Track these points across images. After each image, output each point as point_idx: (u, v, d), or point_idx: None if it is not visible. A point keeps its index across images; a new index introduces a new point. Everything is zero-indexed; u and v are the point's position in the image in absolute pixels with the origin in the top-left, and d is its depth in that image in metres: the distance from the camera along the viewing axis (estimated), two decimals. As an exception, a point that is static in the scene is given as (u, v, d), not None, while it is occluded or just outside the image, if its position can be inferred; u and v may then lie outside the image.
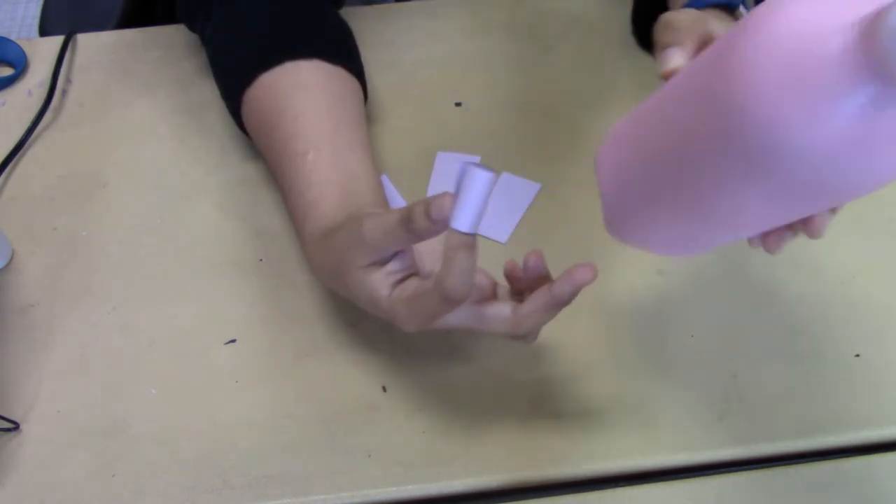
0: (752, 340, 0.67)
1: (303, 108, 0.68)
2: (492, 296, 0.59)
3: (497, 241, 0.73)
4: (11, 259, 0.73)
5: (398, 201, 0.74)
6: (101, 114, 0.81)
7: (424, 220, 0.51)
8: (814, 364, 0.66)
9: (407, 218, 0.52)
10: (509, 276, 0.59)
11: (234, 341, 0.68)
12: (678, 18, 0.54)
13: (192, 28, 0.79)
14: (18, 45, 0.85)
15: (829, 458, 0.63)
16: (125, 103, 0.82)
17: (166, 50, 0.85)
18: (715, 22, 0.55)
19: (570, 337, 0.68)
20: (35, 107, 0.81)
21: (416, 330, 0.56)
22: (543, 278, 0.58)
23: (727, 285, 0.70)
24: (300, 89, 0.69)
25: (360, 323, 0.69)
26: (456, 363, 0.67)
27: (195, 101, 0.81)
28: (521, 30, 0.86)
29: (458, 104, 0.81)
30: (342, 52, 0.73)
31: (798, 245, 0.72)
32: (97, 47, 0.86)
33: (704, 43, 0.54)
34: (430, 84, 0.82)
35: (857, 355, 0.66)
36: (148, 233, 0.74)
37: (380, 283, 0.57)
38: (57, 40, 0.85)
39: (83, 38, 0.86)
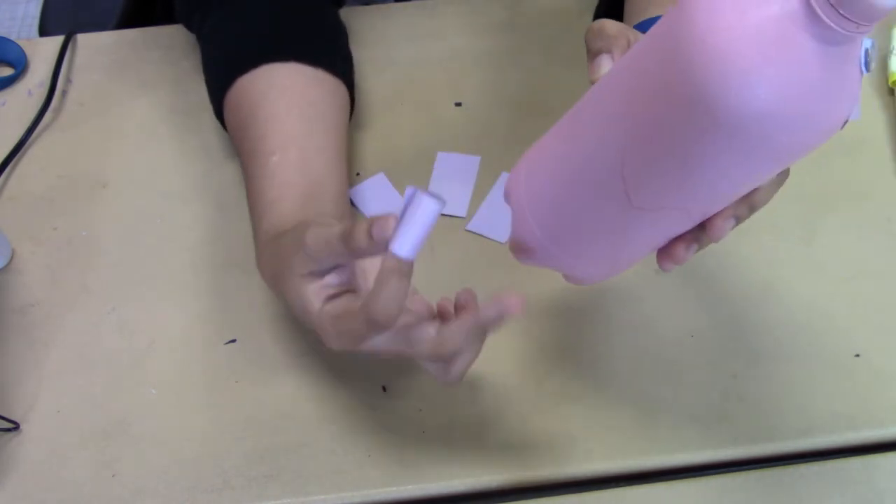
0: (752, 340, 0.67)
1: (274, 111, 0.68)
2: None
3: (497, 241, 0.73)
4: (11, 259, 0.73)
5: (396, 201, 0.74)
6: (101, 114, 0.81)
7: (365, 237, 0.50)
8: (814, 364, 0.66)
9: (349, 233, 0.51)
10: (442, 313, 0.57)
11: (234, 341, 0.68)
12: (607, 26, 0.55)
13: (189, 28, 0.79)
14: (18, 45, 0.85)
15: (829, 458, 0.63)
16: (125, 103, 0.82)
17: (166, 50, 0.85)
18: (638, 33, 0.56)
19: (570, 337, 0.68)
20: (35, 107, 0.81)
21: (341, 349, 0.55)
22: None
23: (727, 285, 0.70)
24: (275, 92, 0.69)
25: (360, 323, 0.69)
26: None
27: (195, 101, 0.81)
28: (521, 30, 0.85)
29: (458, 104, 0.81)
30: (326, 54, 0.73)
31: (798, 245, 0.72)
32: (97, 47, 0.86)
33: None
34: (430, 84, 0.82)
35: (857, 355, 0.66)
36: (148, 233, 0.74)
37: (313, 294, 0.56)
38: (57, 40, 0.85)
39: (83, 38, 0.86)
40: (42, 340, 0.69)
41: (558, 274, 0.70)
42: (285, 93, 0.69)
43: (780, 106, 0.41)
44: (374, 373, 0.66)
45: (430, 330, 0.54)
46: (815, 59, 0.40)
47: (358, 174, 0.76)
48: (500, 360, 0.67)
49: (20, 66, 0.84)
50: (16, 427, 0.65)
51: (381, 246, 0.50)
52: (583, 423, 0.64)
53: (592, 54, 0.55)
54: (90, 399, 0.66)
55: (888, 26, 0.83)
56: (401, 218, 0.50)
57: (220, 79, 0.71)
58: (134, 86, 0.83)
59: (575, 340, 0.67)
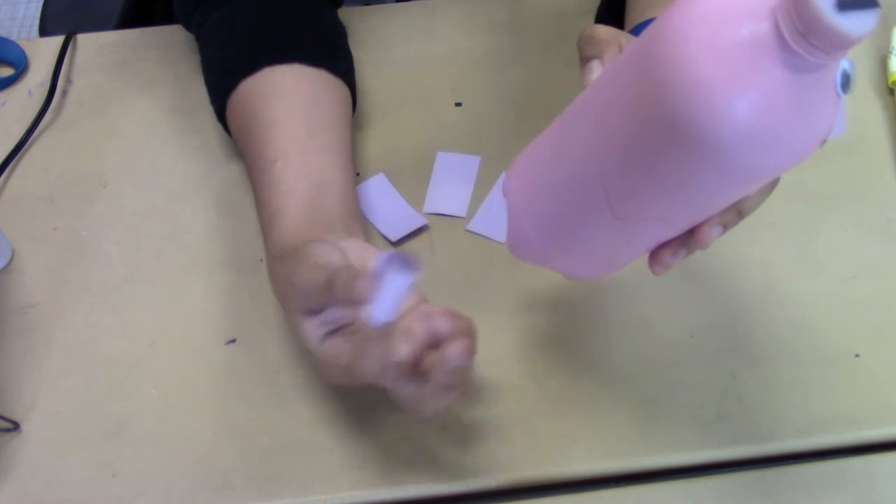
0: (752, 340, 0.67)
1: (276, 114, 0.68)
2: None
3: (497, 242, 0.73)
4: (11, 259, 0.73)
5: (397, 201, 0.74)
6: (101, 114, 0.81)
7: (345, 293, 0.52)
8: (814, 364, 0.66)
9: (331, 283, 0.53)
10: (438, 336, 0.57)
11: (234, 341, 0.68)
12: (599, 32, 0.55)
13: (188, 28, 0.79)
14: (18, 45, 0.85)
15: (829, 458, 0.63)
16: (125, 103, 0.82)
17: (166, 50, 0.85)
18: (632, 37, 0.56)
19: (570, 337, 0.68)
20: (35, 107, 0.81)
21: (338, 384, 0.60)
22: None
23: (727, 285, 0.70)
24: (277, 95, 0.69)
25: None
26: (456, 363, 0.67)
27: (195, 101, 0.81)
28: (521, 30, 0.85)
29: (458, 104, 0.81)
30: (326, 53, 0.73)
31: (798, 245, 0.72)
32: (97, 47, 0.86)
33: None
34: (430, 84, 0.82)
35: (857, 355, 0.66)
36: (148, 233, 0.74)
37: (310, 332, 0.57)
38: (57, 40, 0.85)
39: (83, 38, 0.86)
40: (42, 340, 0.69)
41: (556, 274, 0.70)
42: (287, 95, 0.69)
43: (751, 131, 0.41)
44: (374, 373, 0.66)
45: (408, 388, 0.56)
46: (786, 85, 0.40)
47: (358, 174, 0.76)
48: (500, 360, 0.67)
49: (20, 66, 0.84)
50: (16, 427, 0.65)
51: (359, 304, 0.51)
52: (583, 423, 0.64)
53: (584, 60, 0.55)
54: (90, 399, 0.66)
55: (888, 26, 0.83)
56: (376, 286, 0.51)
57: (222, 83, 0.71)
58: (134, 86, 0.83)
59: (575, 340, 0.67)
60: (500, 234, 0.73)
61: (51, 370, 0.67)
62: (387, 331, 0.52)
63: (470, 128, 0.79)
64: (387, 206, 0.74)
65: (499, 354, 0.67)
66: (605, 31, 0.55)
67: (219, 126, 0.79)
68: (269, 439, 0.64)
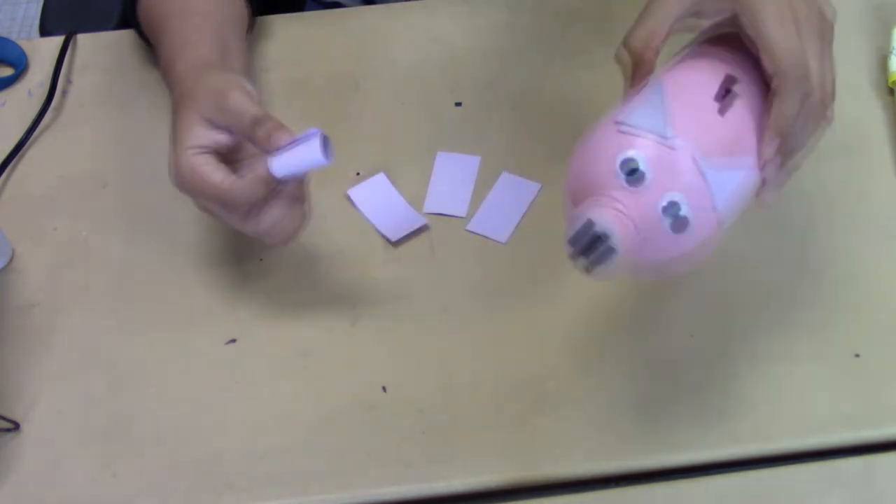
0: (752, 340, 0.67)
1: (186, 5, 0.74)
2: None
3: (497, 241, 0.73)
4: (11, 259, 0.73)
5: (397, 201, 0.74)
6: (101, 114, 0.81)
7: (265, 134, 0.60)
8: (814, 364, 0.66)
9: (259, 121, 0.61)
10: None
11: (234, 341, 0.68)
12: (619, 54, 0.63)
13: None
14: (18, 45, 0.85)
15: (829, 458, 0.63)
16: (125, 103, 0.82)
17: (166, 50, 0.85)
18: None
19: (570, 337, 0.68)
20: (35, 107, 0.81)
21: (179, 188, 0.64)
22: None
23: (727, 285, 0.70)
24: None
25: (360, 323, 0.69)
26: (456, 363, 0.67)
27: (195, 101, 0.81)
28: (521, 30, 0.85)
29: (458, 104, 0.81)
30: None
31: (798, 245, 0.72)
32: (97, 47, 0.86)
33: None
34: (430, 84, 0.82)
35: (857, 355, 0.66)
36: (148, 233, 0.74)
37: (195, 136, 0.62)
38: (57, 40, 0.85)
39: (83, 38, 0.86)
40: (42, 340, 0.69)
41: (557, 274, 0.71)
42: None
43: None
44: (374, 373, 0.66)
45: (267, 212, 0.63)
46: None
47: (358, 174, 0.76)
48: (500, 360, 0.67)
49: (20, 66, 0.84)
50: (16, 427, 0.65)
51: (268, 148, 0.60)
52: (583, 423, 0.64)
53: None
54: (90, 399, 0.66)
55: (888, 26, 0.83)
56: (292, 146, 0.60)
57: None
58: (134, 86, 0.83)
59: (575, 340, 0.67)
60: (500, 233, 0.73)
61: (51, 370, 0.67)
62: (270, 181, 0.60)
63: (470, 128, 0.79)
64: (387, 206, 0.74)
65: (498, 354, 0.67)
66: (624, 55, 0.62)
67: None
68: (269, 439, 0.64)
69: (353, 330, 0.68)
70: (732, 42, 0.60)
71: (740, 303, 0.69)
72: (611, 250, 0.50)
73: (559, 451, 0.63)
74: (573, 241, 0.52)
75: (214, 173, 0.62)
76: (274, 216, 0.63)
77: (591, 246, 0.51)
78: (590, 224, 0.51)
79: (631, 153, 0.52)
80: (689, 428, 0.63)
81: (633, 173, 0.52)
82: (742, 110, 0.58)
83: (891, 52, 0.80)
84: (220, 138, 0.63)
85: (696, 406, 0.64)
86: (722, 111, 0.56)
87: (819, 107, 0.58)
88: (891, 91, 0.80)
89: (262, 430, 0.64)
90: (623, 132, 0.53)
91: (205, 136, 0.63)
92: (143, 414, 0.65)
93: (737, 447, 0.63)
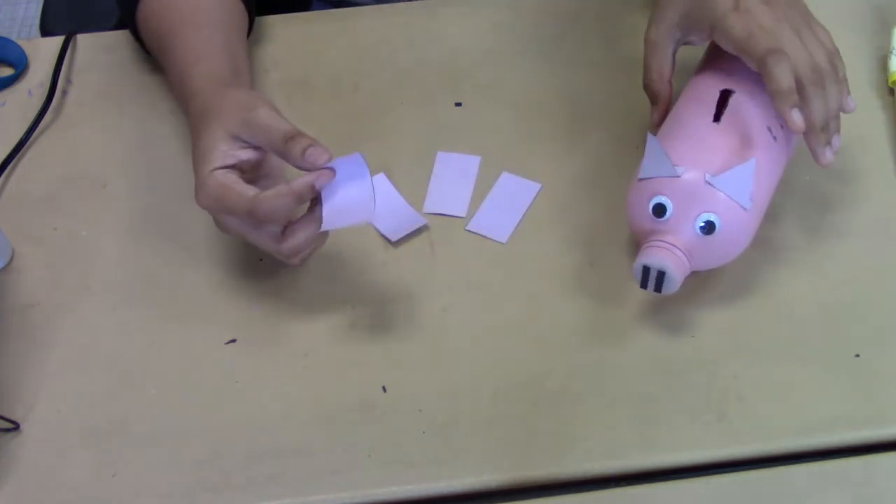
0: (752, 340, 0.67)
1: (191, 13, 0.75)
2: None
3: (497, 241, 0.73)
4: (11, 259, 0.73)
5: (397, 201, 0.74)
6: (101, 114, 0.81)
7: (300, 153, 0.60)
8: (814, 364, 0.66)
9: (291, 137, 0.61)
10: None
11: (234, 341, 0.68)
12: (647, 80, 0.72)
13: None
14: (18, 45, 0.85)
15: (829, 458, 0.63)
16: (125, 103, 0.82)
17: (166, 50, 0.85)
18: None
19: (570, 337, 0.68)
20: (35, 107, 0.81)
21: (205, 208, 0.63)
22: None
23: (727, 285, 0.70)
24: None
25: (359, 323, 0.69)
26: (456, 363, 0.67)
27: (195, 101, 0.81)
28: (521, 30, 0.85)
29: (458, 104, 0.81)
30: None
31: (798, 245, 0.72)
32: (97, 47, 0.86)
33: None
34: (430, 84, 0.82)
35: (857, 355, 0.66)
36: (148, 233, 0.74)
37: (221, 152, 0.62)
38: (57, 40, 0.85)
39: (83, 38, 0.86)
40: (42, 340, 0.69)
41: (557, 274, 0.71)
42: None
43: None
44: (374, 373, 0.66)
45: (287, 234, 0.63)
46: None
47: (358, 174, 0.76)
48: (500, 360, 0.67)
49: (20, 66, 0.84)
50: (16, 427, 0.65)
51: (305, 166, 0.60)
52: (583, 423, 0.64)
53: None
54: (90, 399, 0.66)
55: (888, 26, 0.83)
56: (340, 184, 0.61)
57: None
58: (134, 86, 0.83)
59: (575, 340, 0.67)
60: (499, 233, 0.73)
61: (51, 370, 0.67)
62: (304, 192, 0.60)
63: (470, 128, 0.79)
64: (387, 206, 0.74)
65: (498, 354, 0.67)
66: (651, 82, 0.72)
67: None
68: (269, 439, 0.64)
69: (353, 330, 0.68)
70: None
71: (740, 303, 0.69)
72: (670, 279, 0.63)
73: (559, 451, 0.63)
74: (641, 285, 0.65)
75: (244, 187, 0.62)
76: (304, 235, 0.63)
77: (655, 283, 0.64)
78: (647, 269, 0.64)
79: (655, 199, 0.64)
80: (689, 428, 0.63)
81: (660, 212, 0.64)
82: (743, 110, 0.67)
83: (891, 52, 0.80)
84: (247, 155, 0.63)
85: (696, 406, 0.64)
86: (722, 126, 0.66)
87: (813, 73, 0.64)
88: (891, 91, 0.80)
89: (262, 430, 0.64)
90: (644, 183, 0.65)
91: (231, 152, 0.63)
92: (143, 414, 0.65)
93: (737, 447, 0.63)
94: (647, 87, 0.72)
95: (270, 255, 0.66)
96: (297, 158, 0.60)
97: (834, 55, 0.66)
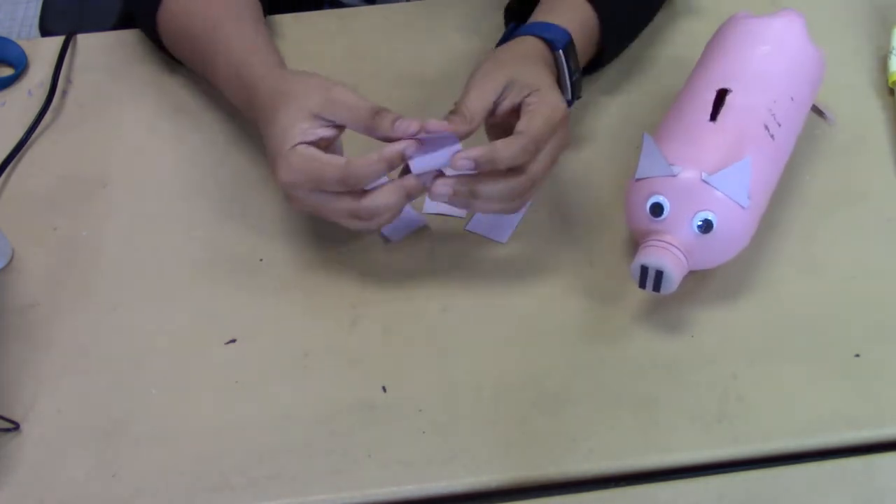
0: (752, 340, 0.67)
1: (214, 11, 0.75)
2: None
3: (497, 242, 0.73)
4: (11, 259, 0.73)
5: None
6: (101, 114, 0.81)
7: (389, 124, 0.63)
8: (814, 364, 0.66)
9: (378, 111, 0.64)
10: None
11: (234, 341, 0.68)
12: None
13: None
14: (18, 45, 0.85)
15: (829, 458, 0.63)
16: (125, 103, 0.82)
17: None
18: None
19: (570, 337, 0.68)
20: (35, 107, 0.81)
21: (288, 184, 0.64)
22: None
23: (727, 285, 0.70)
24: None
25: (359, 323, 0.69)
26: (456, 363, 0.67)
27: (195, 101, 0.81)
28: (521, 30, 0.85)
29: (458, 104, 0.80)
30: None
31: (798, 245, 0.72)
32: (97, 47, 0.86)
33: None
34: (430, 84, 0.82)
35: (857, 355, 0.66)
36: (148, 233, 0.74)
37: (301, 130, 0.64)
38: (57, 40, 0.85)
39: (83, 38, 0.86)
40: (42, 340, 0.69)
41: (556, 274, 0.71)
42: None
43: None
44: (374, 373, 0.66)
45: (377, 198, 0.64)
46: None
47: (358, 174, 0.76)
48: (500, 360, 0.67)
49: (20, 66, 0.84)
50: (16, 427, 0.65)
51: (393, 135, 0.63)
52: (583, 423, 0.64)
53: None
54: (90, 399, 0.66)
55: (888, 26, 0.83)
56: (429, 148, 0.63)
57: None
58: (134, 86, 0.83)
59: (575, 340, 0.67)
60: (499, 233, 0.73)
61: (51, 370, 0.67)
62: (394, 159, 0.63)
63: (470, 128, 0.79)
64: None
65: (498, 354, 0.67)
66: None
67: (220, 126, 0.79)
68: (269, 439, 0.64)
69: (353, 330, 0.68)
70: (728, 50, 0.70)
71: (740, 302, 0.69)
72: (669, 279, 0.64)
73: (559, 451, 0.63)
74: (640, 285, 0.65)
75: (333, 157, 0.63)
76: (386, 196, 0.64)
77: (653, 281, 0.64)
78: (645, 269, 0.64)
79: (652, 199, 0.64)
80: (689, 428, 0.63)
81: (657, 211, 0.64)
82: (740, 109, 0.67)
83: (891, 52, 0.80)
84: (326, 132, 0.65)
85: (696, 406, 0.64)
86: (718, 125, 0.66)
87: (528, 181, 0.66)
88: (891, 91, 0.80)
89: (262, 430, 0.64)
90: (641, 182, 0.66)
91: (311, 130, 0.64)
92: (143, 414, 0.65)
93: (737, 447, 0.63)
94: (461, 112, 0.67)
95: (345, 227, 0.66)
96: (388, 130, 0.63)
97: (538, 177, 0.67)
